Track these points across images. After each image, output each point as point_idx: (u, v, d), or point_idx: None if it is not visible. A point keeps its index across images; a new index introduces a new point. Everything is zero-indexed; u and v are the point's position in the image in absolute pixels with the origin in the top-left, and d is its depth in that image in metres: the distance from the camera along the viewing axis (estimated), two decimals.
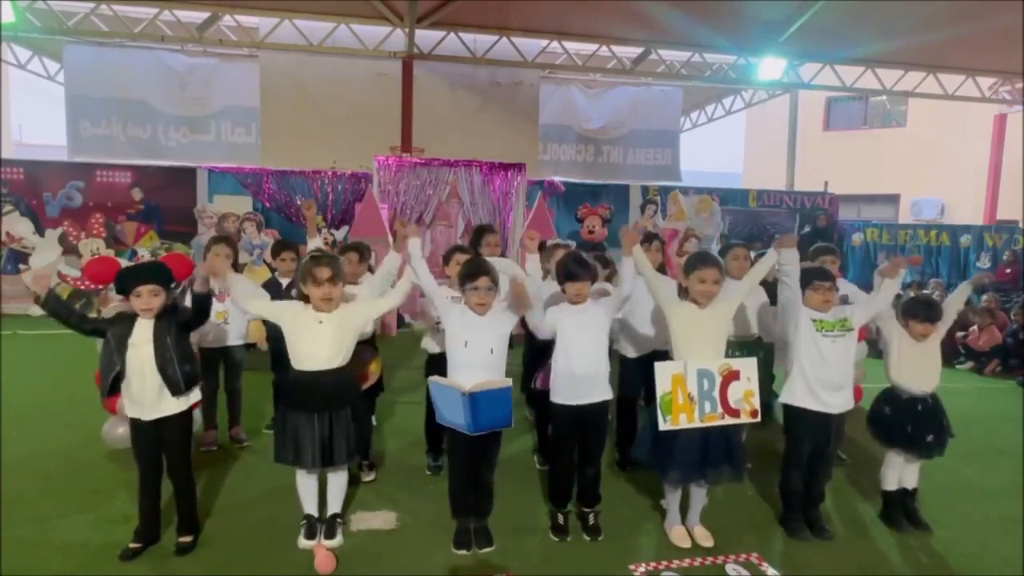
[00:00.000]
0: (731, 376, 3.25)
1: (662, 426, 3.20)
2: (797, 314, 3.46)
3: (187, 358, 3.15)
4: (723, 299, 3.41)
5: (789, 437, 3.55)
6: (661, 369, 3.24)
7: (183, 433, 3.19)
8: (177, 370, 3.07)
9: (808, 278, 3.50)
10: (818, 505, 3.58)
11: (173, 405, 3.10)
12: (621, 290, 3.38)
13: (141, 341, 3.03)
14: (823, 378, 3.41)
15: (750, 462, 4.28)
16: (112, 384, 3.11)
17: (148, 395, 3.04)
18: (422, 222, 9.12)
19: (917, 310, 3.59)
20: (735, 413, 3.25)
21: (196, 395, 3.23)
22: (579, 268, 3.35)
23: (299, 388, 3.16)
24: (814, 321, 3.45)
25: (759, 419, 3.35)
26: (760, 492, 4.01)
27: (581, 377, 3.31)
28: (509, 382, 3.19)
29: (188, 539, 3.18)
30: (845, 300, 4.53)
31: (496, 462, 3.42)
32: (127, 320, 3.10)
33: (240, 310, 3.25)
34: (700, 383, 3.22)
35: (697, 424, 3.21)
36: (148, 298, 3.04)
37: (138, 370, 3.02)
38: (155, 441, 3.11)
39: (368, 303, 3.45)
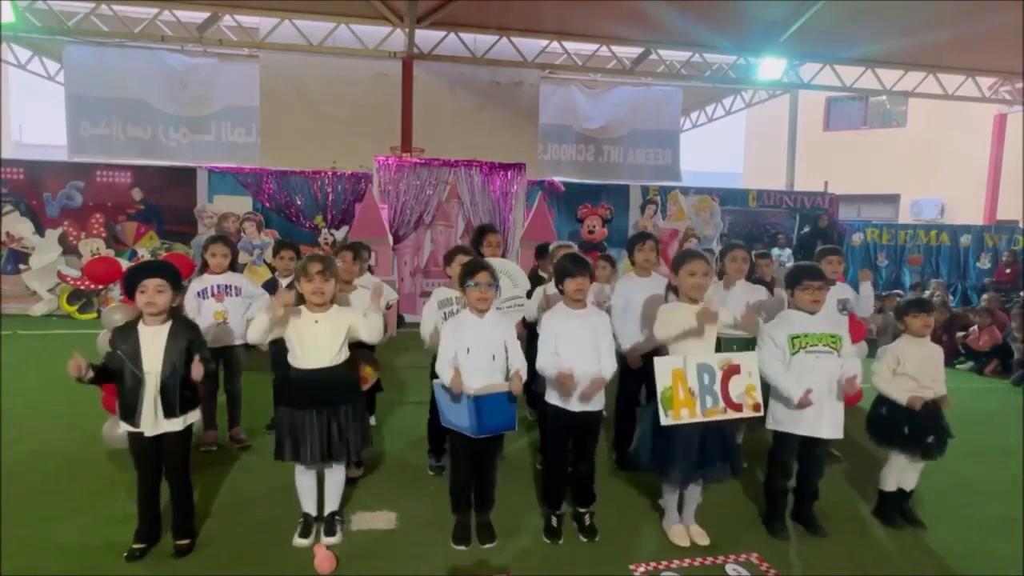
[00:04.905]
0: (732, 370, 3.23)
1: (664, 421, 3.16)
2: (770, 336, 3.39)
3: (188, 383, 3.07)
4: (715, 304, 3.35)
5: (775, 440, 3.53)
6: (661, 364, 3.22)
7: (183, 442, 3.15)
8: (176, 395, 3.01)
9: (798, 277, 3.41)
10: (812, 503, 3.57)
11: (171, 424, 3.04)
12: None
13: (150, 356, 2.97)
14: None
15: (747, 462, 4.29)
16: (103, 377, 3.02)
17: (147, 411, 2.98)
18: (422, 222, 9.14)
19: (911, 306, 3.65)
20: (737, 407, 3.23)
21: (195, 415, 3.18)
22: (576, 265, 3.29)
23: (300, 385, 3.17)
24: (795, 338, 3.33)
25: (762, 412, 3.30)
26: (759, 492, 4.00)
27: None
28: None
29: (185, 541, 3.17)
30: (845, 305, 4.51)
31: (500, 459, 3.42)
32: (129, 330, 3.03)
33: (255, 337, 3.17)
34: (700, 377, 3.20)
35: (699, 419, 3.19)
36: (152, 294, 2.97)
37: (139, 385, 2.96)
38: (154, 451, 3.07)
39: (358, 315, 3.34)
